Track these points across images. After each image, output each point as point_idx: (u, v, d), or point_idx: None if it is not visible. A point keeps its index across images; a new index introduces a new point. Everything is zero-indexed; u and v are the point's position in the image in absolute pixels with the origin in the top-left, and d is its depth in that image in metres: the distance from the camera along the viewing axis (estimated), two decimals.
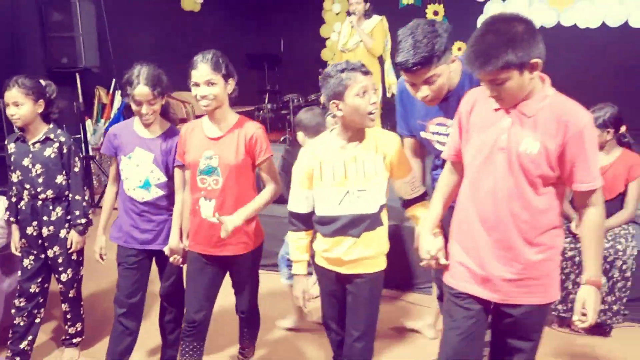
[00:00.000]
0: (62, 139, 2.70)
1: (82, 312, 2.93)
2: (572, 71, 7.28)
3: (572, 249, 2.95)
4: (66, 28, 5.03)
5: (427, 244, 1.84)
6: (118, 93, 5.82)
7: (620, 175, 3.03)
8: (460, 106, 1.81)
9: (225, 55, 2.22)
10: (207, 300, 2.37)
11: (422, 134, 2.20)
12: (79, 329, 2.92)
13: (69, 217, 2.74)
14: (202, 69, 2.16)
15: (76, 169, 2.73)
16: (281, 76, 8.72)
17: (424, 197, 2.11)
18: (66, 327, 2.92)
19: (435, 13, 8.07)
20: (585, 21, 7.31)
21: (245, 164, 2.26)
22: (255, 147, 2.25)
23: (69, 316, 2.89)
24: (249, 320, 2.54)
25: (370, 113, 1.93)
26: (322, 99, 2.02)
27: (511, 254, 1.68)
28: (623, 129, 3.07)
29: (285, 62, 8.84)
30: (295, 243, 2.14)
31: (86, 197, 2.76)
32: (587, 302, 1.65)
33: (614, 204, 3.07)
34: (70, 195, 2.73)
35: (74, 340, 2.92)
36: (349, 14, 5.29)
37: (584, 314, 1.66)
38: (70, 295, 2.84)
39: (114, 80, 5.95)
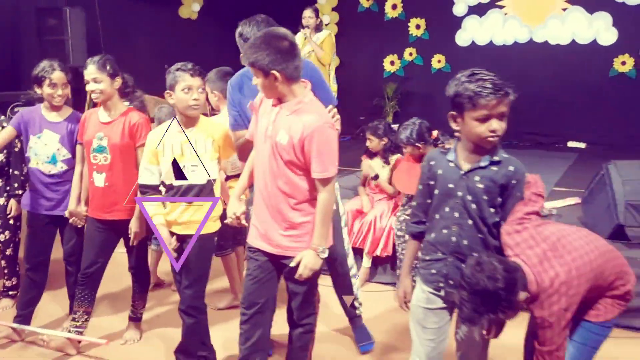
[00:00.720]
0: (4, 124, 3.30)
1: (17, 269, 3.49)
2: (542, 84, 7.67)
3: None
4: (58, 32, 5.74)
5: (233, 207, 2.32)
6: None
7: None
8: (257, 96, 2.29)
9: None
10: (99, 256, 2.89)
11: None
12: (14, 283, 3.49)
13: (8, 188, 3.33)
14: (90, 69, 2.74)
15: (16, 149, 3.31)
16: None
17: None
18: (4, 280, 3.50)
19: (417, 27, 8.51)
20: (555, 38, 7.68)
21: (129, 146, 2.80)
22: (136, 133, 2.79)
23: (6, 271, 3.47)
24: (138, 276, 3.04)
25: (191, 106, 2.44)
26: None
27: (281, 217, 2.15)
28: (435, 134, 3.42)
29: None
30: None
31: (24, 172, 3.33)
32: (303, 260, 2.11)
33: None
34: (10, 170, 3.31)
35: (10, 293, 3.49)
36: (302, 27, 5.81)
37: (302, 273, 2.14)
38: (7, 253, 3.41)
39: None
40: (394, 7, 8.60)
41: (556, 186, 5.03)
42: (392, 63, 8.57)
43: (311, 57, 5.69)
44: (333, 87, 5.92)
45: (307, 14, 5.73)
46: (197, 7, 8.44)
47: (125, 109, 2.86)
